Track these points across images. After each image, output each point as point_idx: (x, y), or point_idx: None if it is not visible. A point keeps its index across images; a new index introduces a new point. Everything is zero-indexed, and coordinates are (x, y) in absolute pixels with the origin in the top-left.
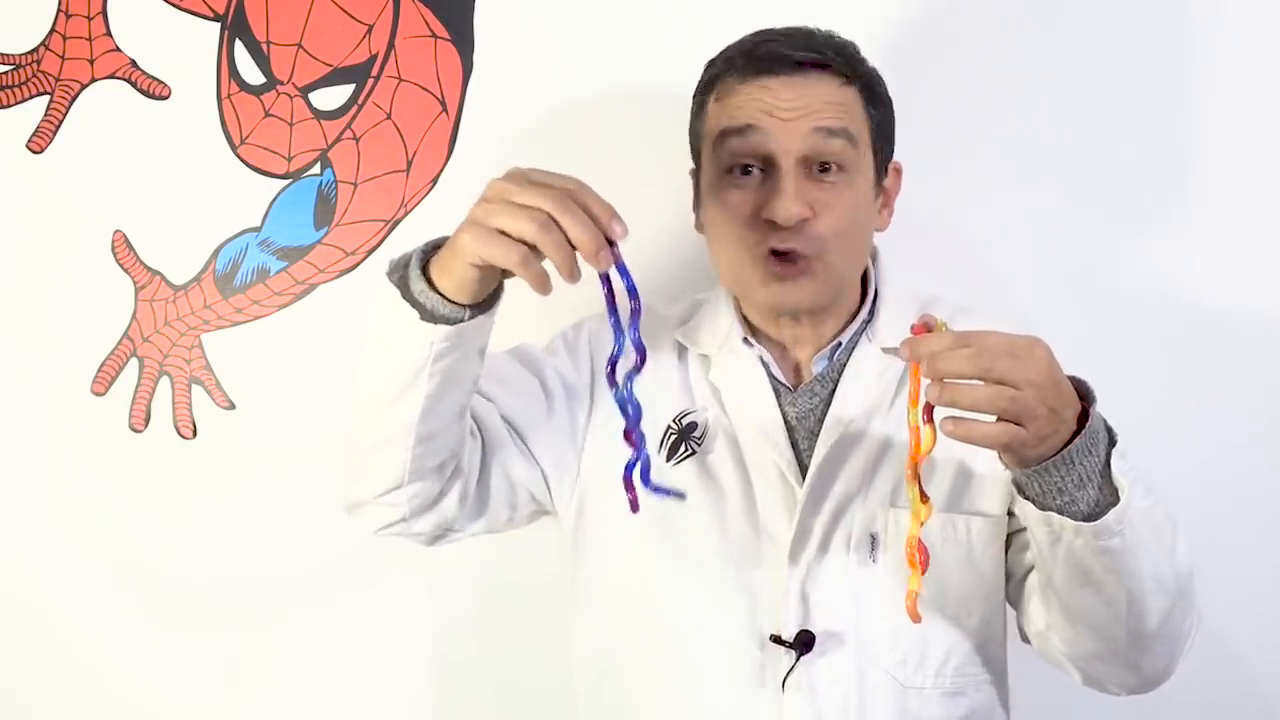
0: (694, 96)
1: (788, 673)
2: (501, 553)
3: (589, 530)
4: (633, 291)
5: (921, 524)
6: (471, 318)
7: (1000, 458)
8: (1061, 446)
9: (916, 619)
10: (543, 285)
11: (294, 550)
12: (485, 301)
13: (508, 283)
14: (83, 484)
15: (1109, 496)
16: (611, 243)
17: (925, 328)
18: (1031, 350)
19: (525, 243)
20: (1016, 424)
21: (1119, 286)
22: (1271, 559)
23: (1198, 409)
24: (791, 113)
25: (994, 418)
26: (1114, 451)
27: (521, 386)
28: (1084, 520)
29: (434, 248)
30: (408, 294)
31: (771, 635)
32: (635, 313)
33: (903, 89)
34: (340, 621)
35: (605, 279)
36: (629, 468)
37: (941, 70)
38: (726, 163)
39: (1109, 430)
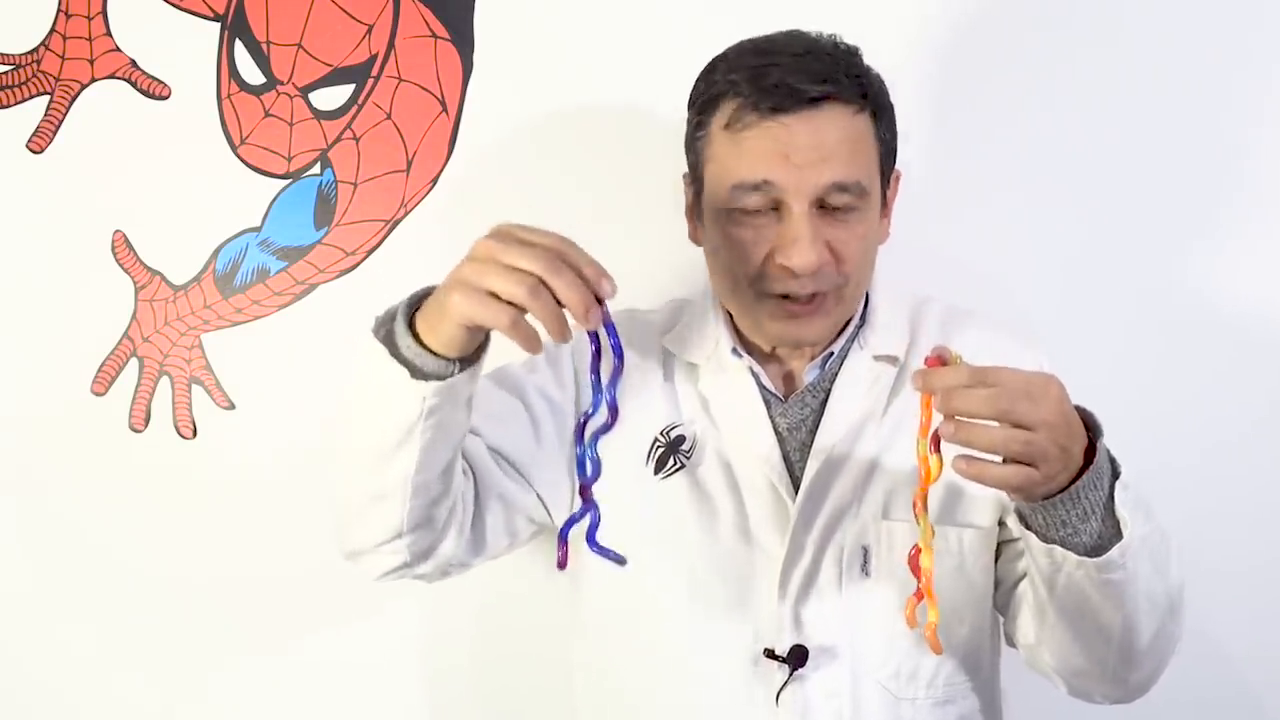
0: (691, 108)
1: (781, 687)
2: (499, 562)
3: (582, 549)
4: (617, 350)
5: (933, 554)
6: (460, 371)
7: (1008, 493)
8: (1069, 482)
9: (939, 650)
10: (533, 345)
11: (293, 551)
12: (473, 353)
13: None
14: (83, 484)
15: (1111, 529)
16: (600, 300)
17: (940, 360)
18: (1047, 390)
19: (515, 305)
20: (1029, 464)
21: (1114, 287)
22: (1264, 553)
23: (1190, 405)
24: (807, 157)
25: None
26: (1118, 483)
27: (507, 415)
28: (1087, 554)
29: (417, 301)
30: (395, 352)
31: (765, 650)
32: (616, 371)
33: (901, 93)
34: (338, 622)
35: (594, 336)
36: (568, 524)
37: (939, 74)
38: (737, 206)
39: (1113, 462)
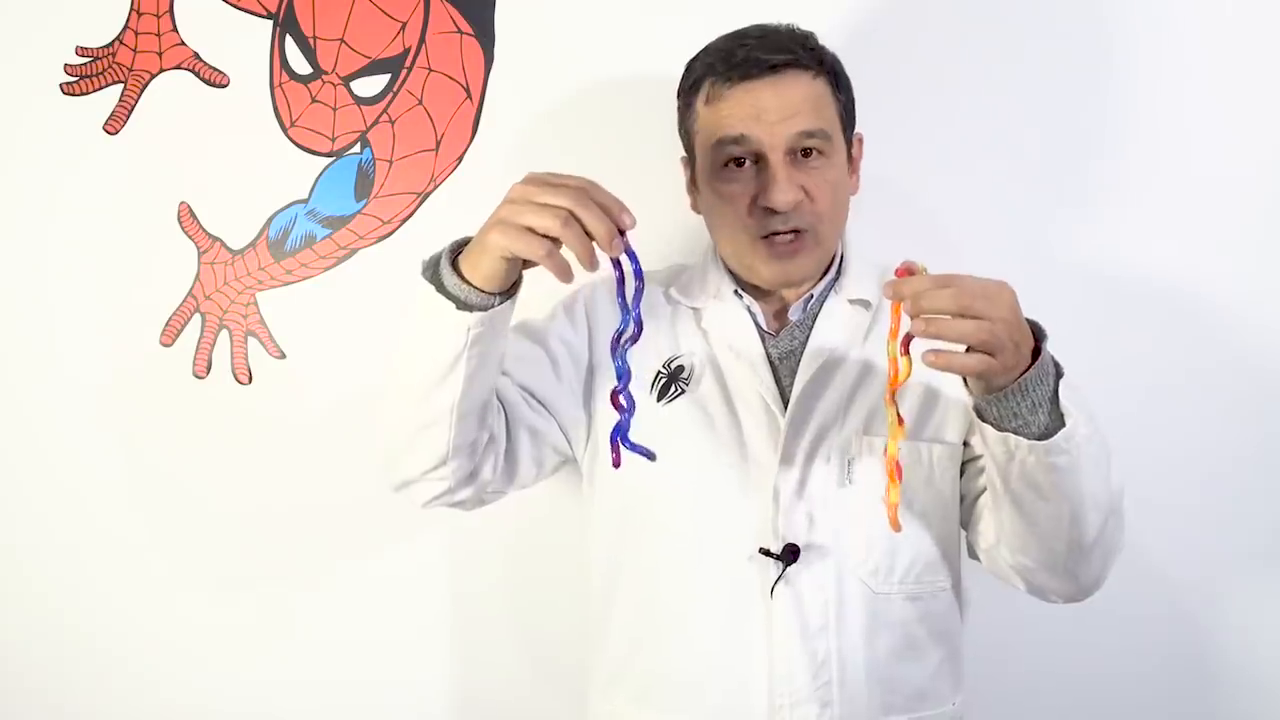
0: (678, 96)
1: (775, 582)
2: (525, 492)
3: (599, 470)
4: (639, 273)
5: (898, 442)
6: (500, 303)
7: (967, 385)
8: (1018, 377)
9: (897, 528)
10: (565, 274)
11: (337, 481)
12: (509, 289)
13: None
14: (152, 423)
15: (1057, 421)
16: (621, 231)
17: (908, 271)
18: (1001, 292)
19: (549, 237)
20: (989, 354)
21: (1059, 256)
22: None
23: (1127, 368)
24: (775, 114)
25: (964, 349)
26: (1061, 383)
27: (532, 357)
28: (1037, 440)
29: (459, 247)
30: (442, 289)
31: (760, 549)
32: (639, 291)
33: (871, 71)
34: (376, 543)
35: (616, 263)
36: (617, 428)
37: (908, 54)
38: (722, 160)
39: (1057, 365)
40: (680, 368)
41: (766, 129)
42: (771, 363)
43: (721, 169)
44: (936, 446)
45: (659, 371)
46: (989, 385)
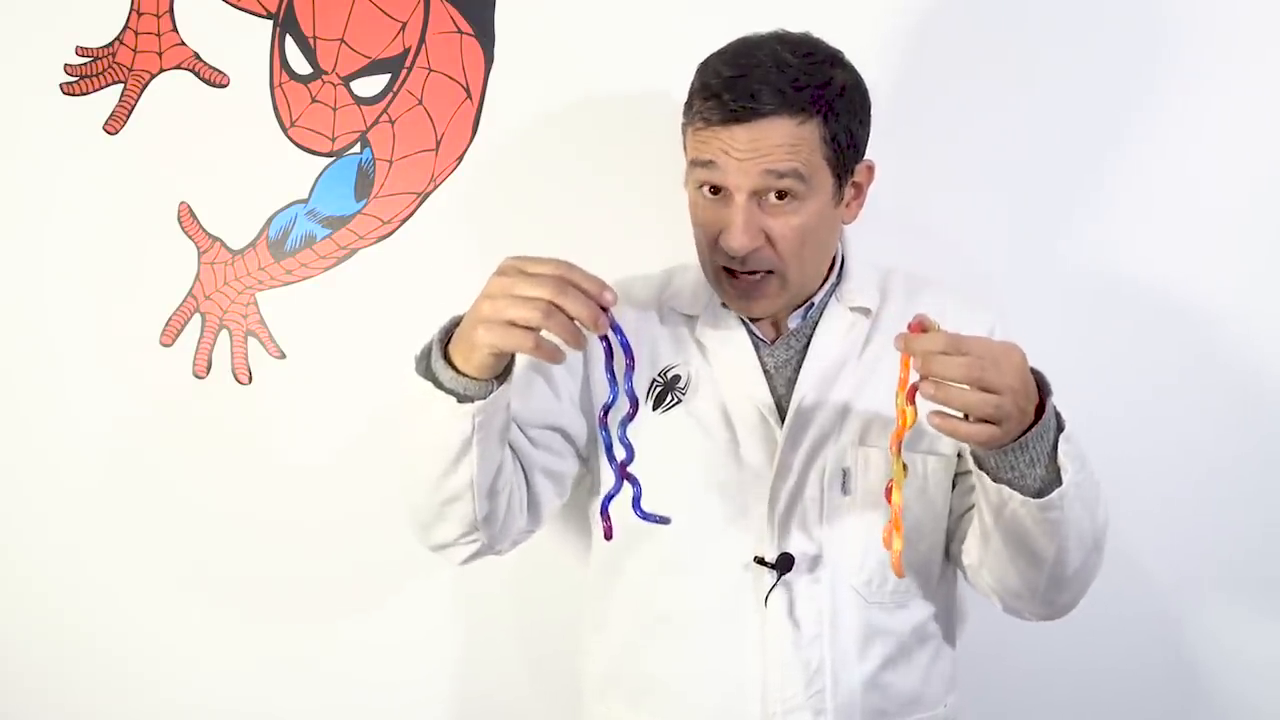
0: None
1: (770, 590)
2: None
3: (601, 475)
4: (627, 349)
5: (902, 491)
6: (498, 388)
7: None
8: (1021, 434)
9: (900, 574)
10: (556, 357)
11: (336, 480)
12: (503, 371)
13: None
14: (152, 423)
15: (1052, 474)
16: (604, 308)
17: (921, 327)
18: (1011, 358)
19: (533, 329)
20: (994, 423)
21: (1062, 261)
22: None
23: (1127, 372)
24: (743, 154)
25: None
26: (1061, 437)
27: (531, 388)
28: (1032, 495)
29: (446, 335)
30: (439, 384)
31: (755, 557)
32: (630, 367)
33: (876, 75)
34: (372, 542)
35: (603, 339)
36: (606, 500)
37: (913, 58)
38: (698, 183)
39: (1058, 416)
40: (676, 377)
41: (734, 165)
42: (767, 372)
43: (698, 192)
44: (931, 458)
45: (654, 380)
46: (987, 452)
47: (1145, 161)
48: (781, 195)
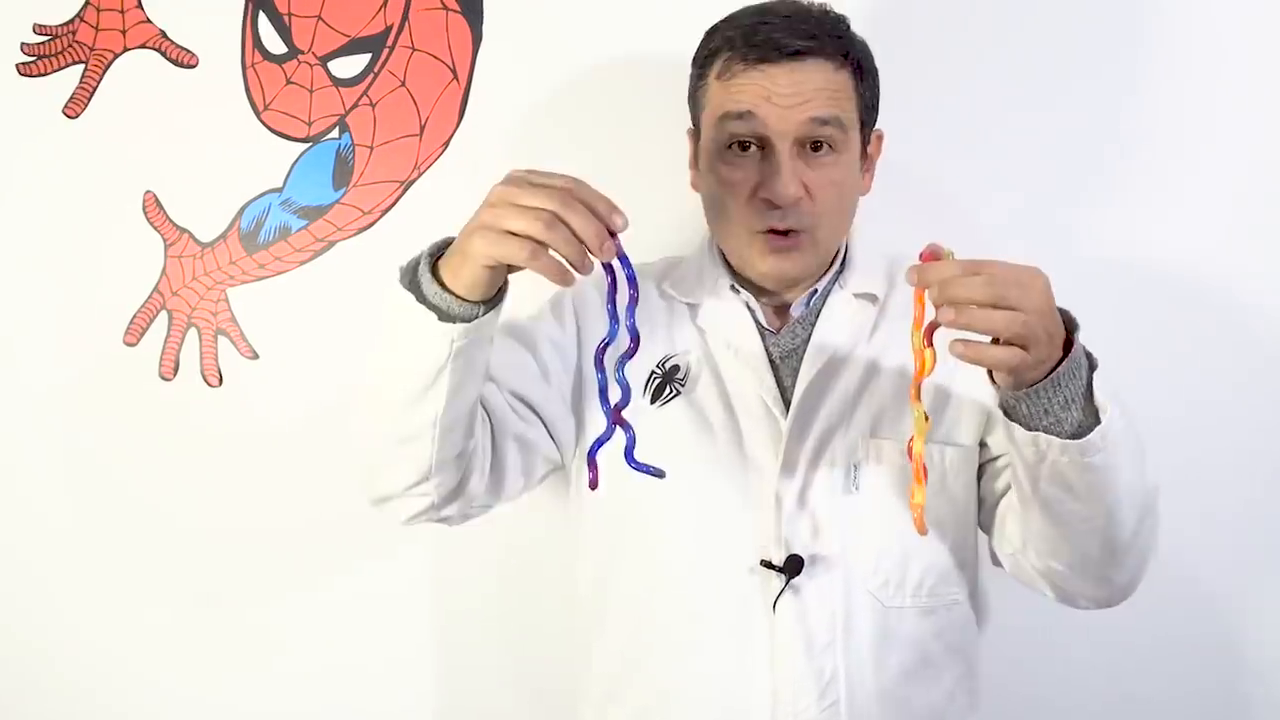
0: (693, 64)
1: (778, 595)
2: (513, 503)
3: (584, 484)
4: (632, 280)
5: (924, 440)
6: (485, 313)
7: (994, 380)
8: (1049, 371)
9: (923, 531)
10: (559, 274)
11: (313, 492)
12: (494, 297)
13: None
14: (115, 429)
15: (1090, 418)
16: (613, 234)
17: (933, 256)
18: (1035, 279)
19: (534, 240)
20: (1022, 348)
21: (1081, 251)
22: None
23: (1157, 365)
24: (788, 99)
25: (987, 339)
26: (1095, 375)
27: (519, 362)
28: (1070, 439)
29: (439, 250)
30: (422, 298)
31: (762, 560)
32: (633, 299)
33: (891, 58)
34: (354, 557)
35: (608, 268)
36: (595, 445)
37: (928, 42)
38: (726, 140)
39: (1089, 356)
40: (675, 367)
41: (776, 113)
42: (772, 362)
43: (725, 149)
44: (950, 449)
45: (653, 371)
46: (1019, 381)
47: (1188, 146)
48: (818, 146)
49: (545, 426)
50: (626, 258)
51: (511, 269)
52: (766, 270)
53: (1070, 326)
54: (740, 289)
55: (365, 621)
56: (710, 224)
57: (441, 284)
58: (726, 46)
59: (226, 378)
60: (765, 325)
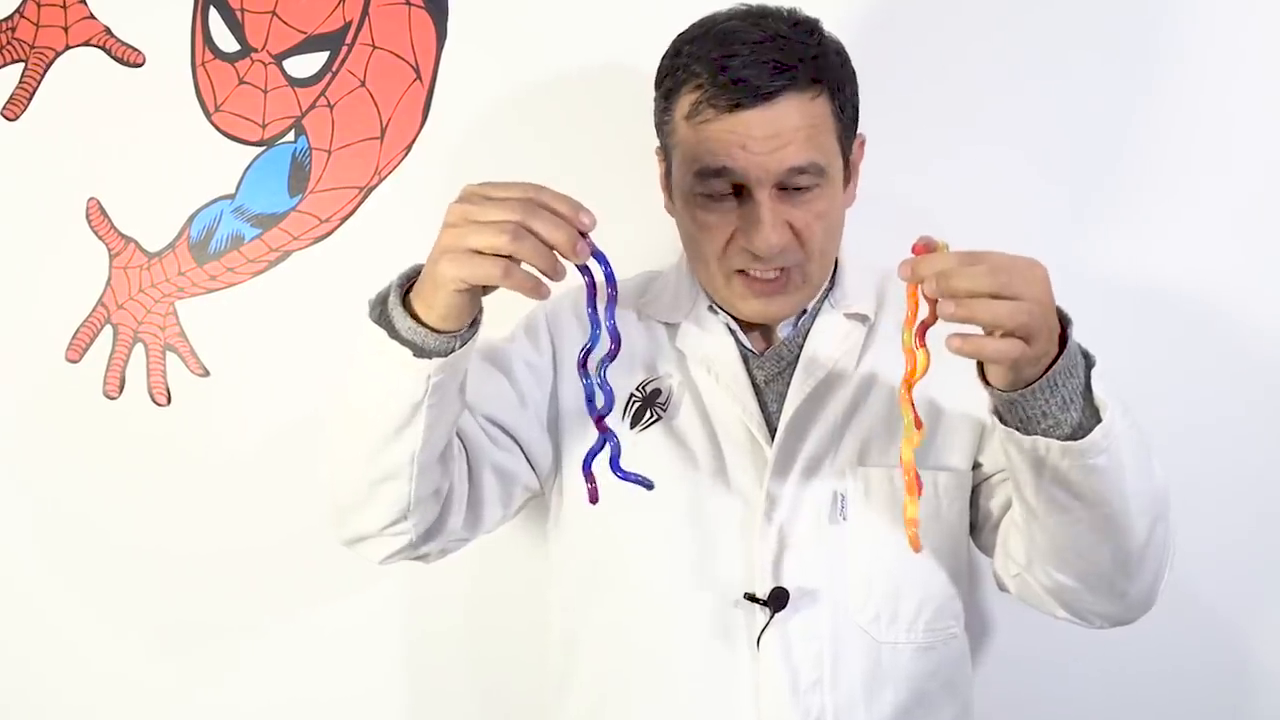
0: (657, 89)
1: (762, 630)
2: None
3: (566, 504)
4: (610, 279)
5: (915, 448)
6: (461, 345)
7: (988, 383)
8: (1045, 371)
9: (918, 548)
10: (534, 289)
11: (268, 518)
12: (468, 327)
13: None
14: (57, 451)
15: (1090, 419)
16: (583, 234)
17: (927, 248)
18: (1034, 269)
19: (503, 256)
20: (1023, 339)
21: (1077, 264)
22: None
23: (1155, 378)
24: (765, 145)
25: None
26: (1094, 373)
27: (493, 384)
28: (1070, 441)
29: (407, 281)
30: (394, 333)
31: (745, 594)
32: (611, 299)
33: (877, 65)
34: (314, 588)
35: (584, 270)
36: (589, 456)
37: (917, 47)
38: (701, 190)
39: (1085, 354)
40: (656, 391)
41: (753, 161)
42: (756, 386)
43: (699, 196)
44: (942, 474)
45: (632, 395)
46: (1015, 379)
47: (1168, 156)
48: (800, 186)
49: (523, 453)
50: (602, 255)
51: (486, 290)
52: (750, 313)
53: (1063, 322)
54: (719, 309)
55: (327, 652)
56: (688, 256)
57: (414, 316)
58: (693, 82)
59: (175, 396)
60: (748, 347)
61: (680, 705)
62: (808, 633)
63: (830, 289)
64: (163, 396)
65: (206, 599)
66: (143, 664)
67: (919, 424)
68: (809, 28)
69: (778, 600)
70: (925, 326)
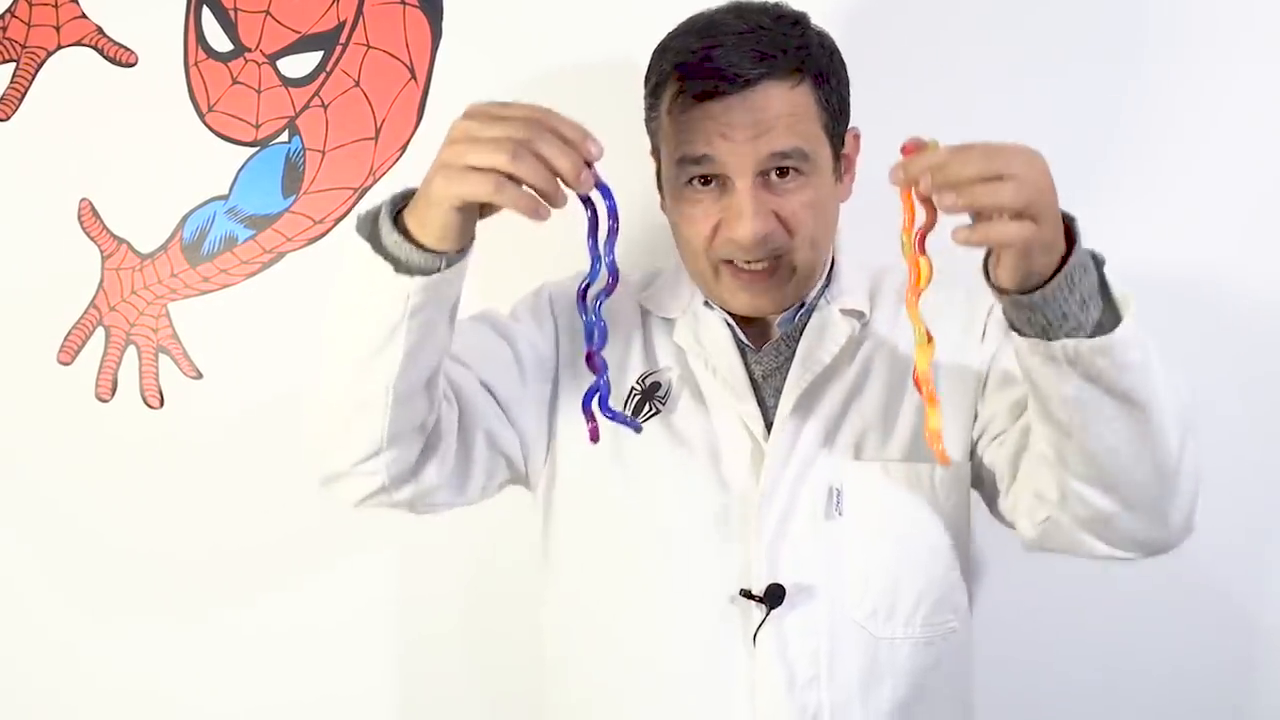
0: (646, 89)
1: (758, 627)
2: (474, 524)
3: (559, 497)
4: (613, 212)
5: (930, 360)
6: (447, 267)
7: (1000, 280)
8: (1058, 267)
9: (946, 461)
10: (532, 208)
11: (262, 521)
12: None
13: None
14: (49, 454)
15: (1111, 319)
16: (588, 164)
17: (916, 147)
18: (1027, 151)
19: (499, 172)
20: (1031, 219)
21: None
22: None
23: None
24: (744, 133)
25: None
26: (1106, 270)
27: (496, 353)
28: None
29: (404, 198)
30: (379, 247)
31: (741, 590)
32: (613, 232)
33: (873, 59)
34: (309, 593)
35: (586, 202)
36: (589, 395)
37: (913, 41)
38: (685, 178)
39: (1094, 255)
40: (656, 384)
41: (733, 149)
42: (753, 381)
43: (684, 186)
44: (938, 468)
45: (633, 388)
46: (1028, 273)
47: (1168, 149)
48: (784, 172)
49: (515, 431)
50: (606, 187)
51: (484, 212)
52: (739, 306)
53: (1067, 220)
54: (714, 305)
55: (320, 653)
56: (681, 257)
57: (405, 234)
58: (675, 74)
59: (168, 399)
60: (746, 342)
61: (675, 702)
62: (804, 629)
63: (827, 285)
64: (155, 399)
65: (198, 601)
66: (135, 665)
67: (930, 338)
68: (793, 19)
69: (774, 596)
70: (924, 232)
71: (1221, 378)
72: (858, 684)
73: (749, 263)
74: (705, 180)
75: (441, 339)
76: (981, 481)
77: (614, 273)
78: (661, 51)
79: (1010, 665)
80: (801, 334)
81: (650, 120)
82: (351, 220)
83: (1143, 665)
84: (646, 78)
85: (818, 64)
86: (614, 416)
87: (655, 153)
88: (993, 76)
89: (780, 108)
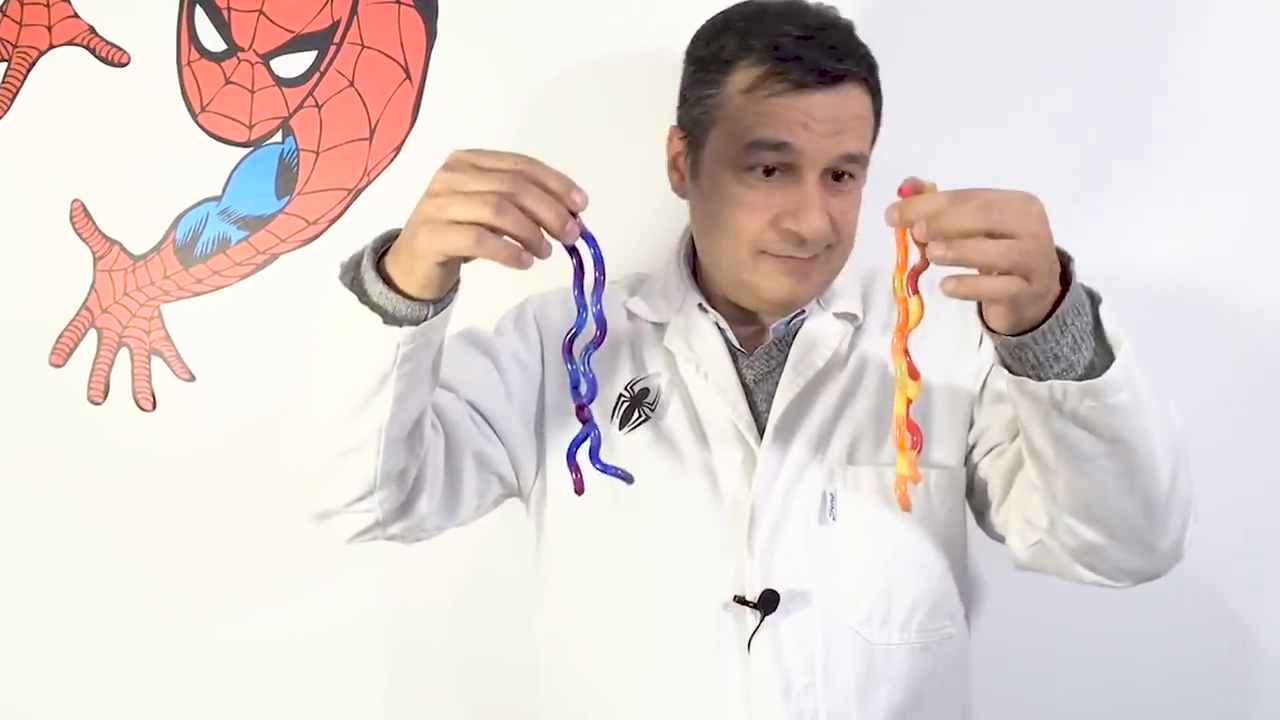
0: (697, 67)
1: (753, 633)
2: (465, 531)
3: (550, 506)
4: (599, 262)
5: (910, 401)
6: (434, 314)
7: (991, 323)
8: (1049, 311)
9: (906, 507)
10: (514, 258)
11: (254, 525)
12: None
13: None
14: (40, 457)
15: (1103, 358)
16: (574, 214)
17: (914, 190)
18: (1029, 203)
19: (481, 225)
20: (1022, 277)
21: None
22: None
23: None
24: (826, 128)
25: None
26: (1101, 309)
27: (478, 370)
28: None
29: (383, 243)
30: (365, 298)
31: (735, 596)
32: (599, 283)
33: (881, 53)
34: (300, 597)
35: (573, 251)
36: (574, 445)
37: (913, 43)
38: (751, 163)
39: (1090, 292)
40: (645, 390)
41: (813, 142)
42: (745, 385)
43: (745, 171)
44: (934, 472)
45: (620, 394)
46: (1018, 320)
47: (1175, 153)
48: (840, 175)
49: (504, 447)
50: (592, 236)
51: (468, 259)
52: (776, 293)
53: (1064, 259)
54: (709, 308)
55: (308, 657)
56: (703, 237)
57: (388, 282)
58: (755, 57)
59: (161, 401)
60: (738, 346)
61: (670, 709)
62: (799, 635)
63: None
64: (148, 402)
65: (190, 604)
66: (126, 668)
67: (914, 374)
68: (851, 27)
69: (768, 603)
70: (916, 273)
71: (1221, 378)
72: (854, 690)
73: (796, 257)
74: (768, 170)
75: (429, 379)
76: (973, 491)
77: (601, 324)
78: (724, 31)
79: (1008, 671)
80: (794, 338)
81: (702, 98)
82: (346, 221)
83: (1142, 670)
84: (698, 56)
85: (875, 74)
86: (605, 469)
87: (680, 133)
88: (993, 78)
89: (856, 109)
